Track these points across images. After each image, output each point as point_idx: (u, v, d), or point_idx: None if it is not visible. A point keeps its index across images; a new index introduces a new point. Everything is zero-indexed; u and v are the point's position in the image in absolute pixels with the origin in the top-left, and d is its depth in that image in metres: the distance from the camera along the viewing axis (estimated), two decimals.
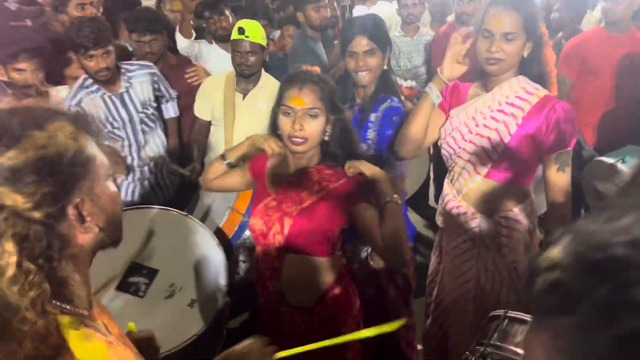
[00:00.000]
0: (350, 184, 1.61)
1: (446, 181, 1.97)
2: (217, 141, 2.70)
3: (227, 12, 3.19)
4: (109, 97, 2.54)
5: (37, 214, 0.75)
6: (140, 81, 2.63)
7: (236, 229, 2.33)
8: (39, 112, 0.82)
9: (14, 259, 0.73)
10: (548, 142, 1.69)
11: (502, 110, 1.72)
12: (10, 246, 0.73)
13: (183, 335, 1.82)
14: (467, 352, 1.26)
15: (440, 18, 4.18)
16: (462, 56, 1.70)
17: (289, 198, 1.63)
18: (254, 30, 2.51)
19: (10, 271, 0.73)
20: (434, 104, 1.78)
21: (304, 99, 1.56)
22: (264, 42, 2.56)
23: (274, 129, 1.67)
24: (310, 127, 1.56)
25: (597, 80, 2.82)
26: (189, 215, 2.25)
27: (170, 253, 2.10)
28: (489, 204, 1.82)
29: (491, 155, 1.75)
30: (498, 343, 1.15)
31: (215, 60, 3.14)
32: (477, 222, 1.83)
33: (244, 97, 2.62)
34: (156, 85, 2.70)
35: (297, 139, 1.57)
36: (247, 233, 2.26)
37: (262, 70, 2.65)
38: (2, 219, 0.73)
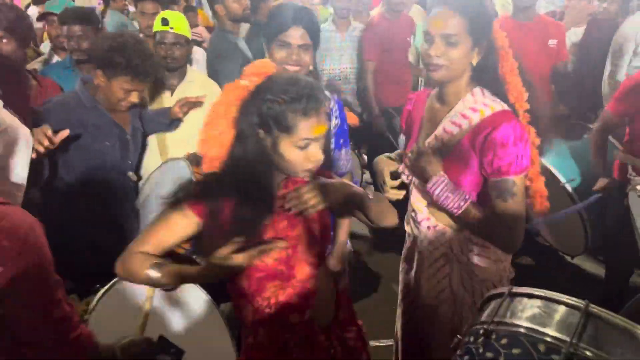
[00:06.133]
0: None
1: (414, 189, 1.74)
2: (150, 142, 2.40)
3: None
4: None
5: None
6: None
7: None
8: None
9: None
10: (486, 164, 1.49)
11: (455, 122, 1.56)
12: None
13: None
14: (458, 336, 1.11)
15: None
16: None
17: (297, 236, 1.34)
18: (178, 21, 2.42)
19: None
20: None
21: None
22: (189, 34, 2.48)
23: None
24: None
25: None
26: None
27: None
28: (454, 217, 1.60)
29: None
30: (506, 320, 1.00)
31: None
32: (447, 237, 1.63)
33: (172, 94, 2.48)
34: None
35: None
36: None
37: (188, 65, 2.57)
38: None
